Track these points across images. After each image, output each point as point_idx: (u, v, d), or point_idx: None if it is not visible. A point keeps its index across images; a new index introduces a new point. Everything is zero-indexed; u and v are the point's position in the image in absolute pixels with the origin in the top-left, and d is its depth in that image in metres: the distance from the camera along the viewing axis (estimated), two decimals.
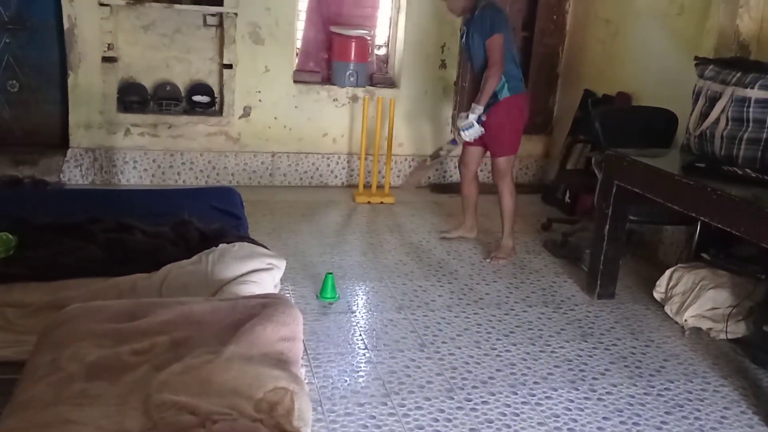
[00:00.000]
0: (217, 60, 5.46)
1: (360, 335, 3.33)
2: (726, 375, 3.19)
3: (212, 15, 5.34)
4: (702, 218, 3.33)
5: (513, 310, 3.72)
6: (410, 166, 5.89)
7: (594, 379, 3.08)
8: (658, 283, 3.80)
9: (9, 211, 2.99)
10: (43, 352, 1.87)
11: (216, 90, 5.49)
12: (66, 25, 5.03)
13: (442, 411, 2.74)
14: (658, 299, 3.80)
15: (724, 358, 3.35)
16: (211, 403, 1.63)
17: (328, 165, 5.76)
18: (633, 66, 5.05)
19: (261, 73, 5.46)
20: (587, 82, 5.57)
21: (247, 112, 5.51)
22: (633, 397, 2.95)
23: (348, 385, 2.88)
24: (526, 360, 3.20)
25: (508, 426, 2.69)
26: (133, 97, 5.31)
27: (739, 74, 3.28)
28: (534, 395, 2.91)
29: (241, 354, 1.83)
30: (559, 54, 5.98)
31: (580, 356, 3.27)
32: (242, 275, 2.58)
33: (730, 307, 3.47)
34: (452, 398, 2.84)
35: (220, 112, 5.49)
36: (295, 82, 5.57)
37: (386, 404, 2.76)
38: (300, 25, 5.64)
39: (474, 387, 2.94)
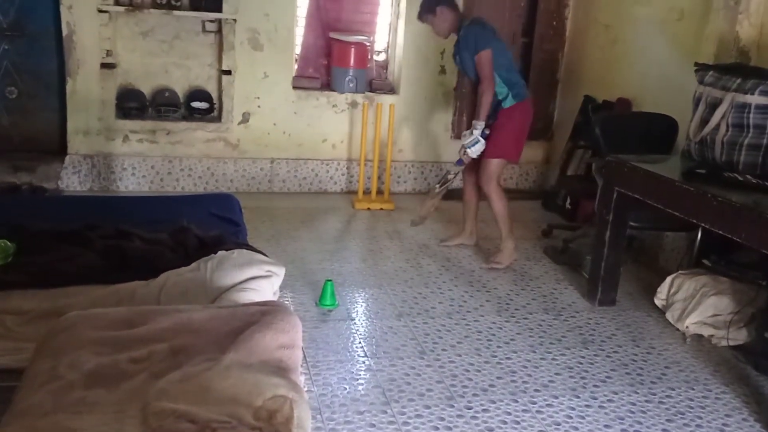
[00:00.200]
0: (216, 66, 5.46)
1: (359, 343, 3.31)
2: (728, 382, 3.17)
3: (211, 21, 5.34)
4: (703, 224, 3.32)
5: (513, 317, 3.71)
6: (410, 172, 5.90)
7: (595, 386, 3.07)
8: (659, 289, 3.79)
9: (7, 217, 2.98)
10: (42, 359, 1.87)
11: (215, 96, 5.49)
12: (65, 32, 5.03)
13: (443, 419, 2.73)
14: (660, 306, 3.79)
15: (726, 365, 3.34)
16: (210, 411, 1.61)
17: (328, 171, 5.76)
18: (633, 72, 5.05)
19: (260, 79, 5.46)
20: (587, 88, 5.57)
21: (246, 118, 5.51)
22: (634, 404, 2.94)
23: (347, 392, 2.86)
24: (526, 367, 3.18)
25: None
26: (132, 104, 5.30)
27: (739, 80, 3.28)
28: (535, 403, 2.89)
29: (240, 361, 1.82)
30: (559, 60, 5.99)
31: (581, 363, 3.26)
32: (241, 282, 2.57)
33: (732, 314, 3.46)
34: (452, 406, 2.82)
35: (218, 119, 5.48)
36: (294, 88, 5.57)
37: (386, 412, 2.74)
38: (299, 31, 5.65)
39: (474, 395, 2.92)
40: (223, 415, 1.61)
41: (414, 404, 2.81)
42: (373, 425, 2.65)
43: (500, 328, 3.56)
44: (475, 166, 4.48)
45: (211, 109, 5.46)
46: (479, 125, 4.20)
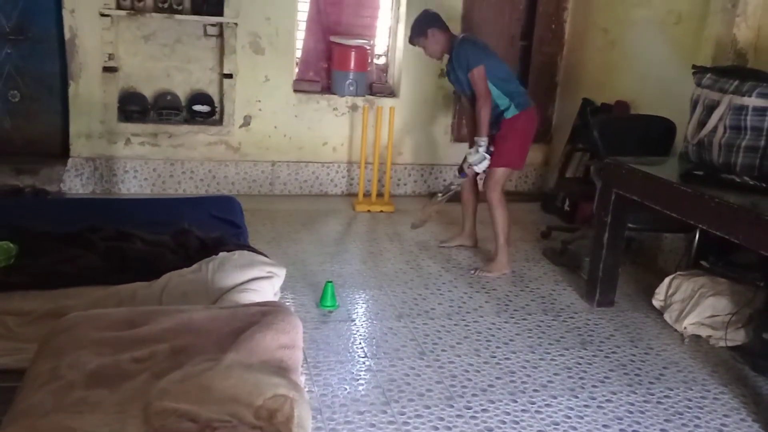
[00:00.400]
0: (218, 70, 5.48)
1: (360, 343, 3.33)
2: (726, 382, 3.19)
3: (212, 25, 5.36)
4: (701, 226, 3.34)
5: (512, 318, 3.73)
6: (410, 175, 5.91)
7: (594, 386, 3.08)
8: (657, 290, 3.81)
9: (10, 220, 3.00)
10: (44, 360, 1.88)
11: (216, 99, 5.51)
12: (67, 36, 5.06)
13: (442, 419, 2.74)
14: (658, 307, 3.80)
15: (724, 365, 3.35)
16: (211, 411, 1.63)
17: (328, 174, 5.78)
18: (631, 75, 5.07)
19: (261, 83, 5.48)
20: (586, 91, 5.59)
21: (247, 122, 5.53)
22: (633, 404, 2.95)
23: (348, 393, 2.88)
24: (525, 368, 3.20)
25: None
26: (134, 107, 5.32)
27: (736, 82, 3.29)
28: (534, 403, 2.91)
29: (240, 361, 1.83)
30: (558, 63, 6.01)
31: (580, 364, 3.28)
32: (242, 283, 2.58)
33: (730, 315, 3.47)
34: (452, 406, 2.84)
35: (220, 122, 5.51)
36: (295, 91, 5.59)
37: (386, 412, 2.76)
38: (300, 35, 5.67)
39: (474, 395, 2.94)
40: (224, 415, 1.62)
41: (414, 404, 2.83)
42: (373, 425, 2.67)
43: (499, 329, 3.57)
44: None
45: (212, 113, 5.48)
46: (482, 141, 4.21)
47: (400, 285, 4.05)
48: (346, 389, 2.91)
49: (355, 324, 3.54)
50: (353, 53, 5.61)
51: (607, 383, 3.12)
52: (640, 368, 3.27)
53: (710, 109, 3.38)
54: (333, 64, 5.71)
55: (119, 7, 5.09)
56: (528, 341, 3.47)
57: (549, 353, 3.36)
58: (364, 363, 3.15)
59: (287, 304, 3.43)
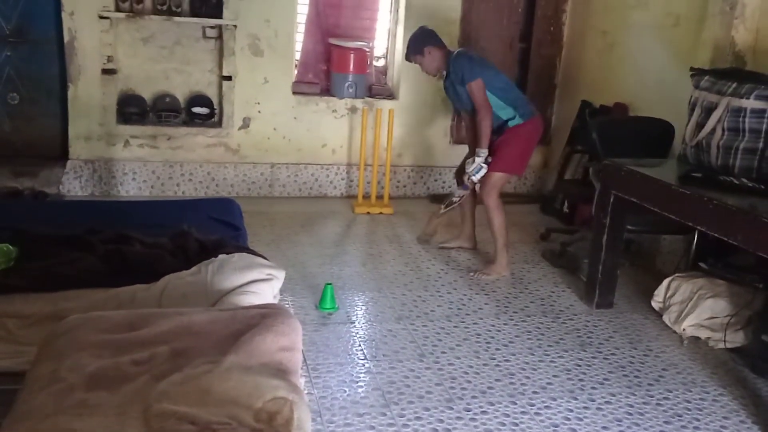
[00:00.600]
0: (217, 72, 5.48)
1: (359, 345, 3.33)
2: (725, 384, 3.19)
3: (211, 27, 5.37)
4: (699, 227, 3.35)
5: (512, 319, 3.73)
6: (409, 177, 5.92)
7: (593, 388, 3.08)
8: (656, 292, 3.81)
9: (9, 222, 3.00)
10: (44, 362, 1.88)
11: (215, 101, 5.52)
12: (66, 38, 5.06)
13: (442, 421, 2.75)
14: (657, 308, 3.81)
15: (723, 367, 3.36)
16: (211, 413, 1.63)
17: (327, 176, 5.78)
18: (630, 77, 5.08)
19: (260, 85, 5.49)
20: (584, 93, 5.60)
21: (246, 124, 5.53)
22: (632, 406, 2.96)
23: (347, 395, 2.88)
24: (525, 370, 3.20)
25: None
26: (133, 109, 5.33)
27: (734, 85, 3.30)
28: (533, 405, 2.91)
29: (240, 364, 1.83)
30: (557, 65, 6.02)
31: (579, 366, 3.28)
32: (241, 286, 2.58)
33: (729, 317, 3.48)
34: (451, 408, 2.84)
35: (219, 124, 5.51)
36: (294, 93, 5.60)
37: (385, 414, 2.76)
38: (299, 37, 5.68)
39: (473, 397, 2.94)
40: (224, 417, 1.62)
41: (413, 406, 2.83)
42: (373, 427, 2.67)
43: (499, 331, 3.58)
44: None
45: (211, 115, 5.48)
46: (482, 153, 4.22)
47: (399, 287, 4.05)
48: (345, 391, 2.91)
49: (354, 326, 3.54)
50: (352, 55, 5.62)
51: (606, 385, 3.12)
52: (639, 370, 3.28)
53: (708, 111, 3.39)
54: (332, 66, 5.72)
55: (118, 9, 5.09)
56: (527, 343, 3.47)
57: (548, 355, 3.36)
58: (363, 365, 3.15)
59: (287, 306, 3.44)
